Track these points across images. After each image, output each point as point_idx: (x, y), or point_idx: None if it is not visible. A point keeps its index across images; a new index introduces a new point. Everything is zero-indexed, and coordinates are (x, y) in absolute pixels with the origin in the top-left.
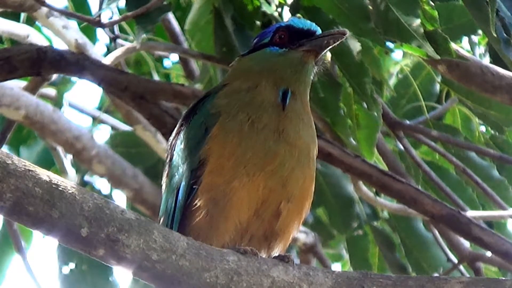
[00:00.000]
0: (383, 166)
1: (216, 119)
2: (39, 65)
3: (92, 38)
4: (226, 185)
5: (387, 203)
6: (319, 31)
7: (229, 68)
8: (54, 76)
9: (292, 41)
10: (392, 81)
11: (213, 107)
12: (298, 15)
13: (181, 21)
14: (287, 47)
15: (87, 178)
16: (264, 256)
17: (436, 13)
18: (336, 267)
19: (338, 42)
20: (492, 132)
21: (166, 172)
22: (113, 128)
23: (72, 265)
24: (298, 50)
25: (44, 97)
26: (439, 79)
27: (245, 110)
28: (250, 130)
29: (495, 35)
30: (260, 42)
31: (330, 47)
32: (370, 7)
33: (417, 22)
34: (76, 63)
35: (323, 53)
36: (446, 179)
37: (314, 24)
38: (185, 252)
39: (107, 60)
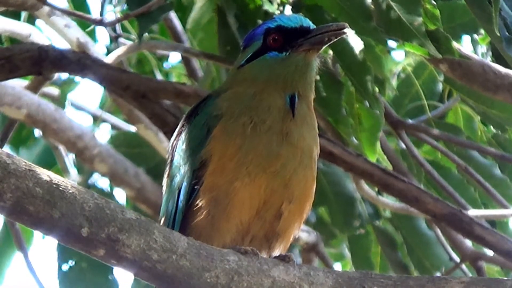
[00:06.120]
0: (387, 165)
1: (219, 120)
2: (41, 64)
3: (92, 38)
4: (228, 185)
5: (389, 202)
6: (311, 25)
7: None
8: (56, 75)
9: (288, 41)
10: (395, 81)
11: (215, 109)
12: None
13: (183, 20)
14: (287, 51)
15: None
16: (264, 256)
17: (438, 12)
18: (337, 267)
19: (339, 37)
20: (494, 131)
21: (167, 172)
22: (114, 127)
23: (71, 263)
24: (299, 51)
25: (46, 96)
26: (441, 78)
27: (249, 113)
28: (253, 132)
29: (498, 34)
30: (250, 45)
31: (331, 42)
32: (372, 6)
33: (419, 20)
34: (77, 62)
35: (323, 47)
36: (448, 178)
37: (302, 18)
38: (186, 252)
39: (109, 59)
